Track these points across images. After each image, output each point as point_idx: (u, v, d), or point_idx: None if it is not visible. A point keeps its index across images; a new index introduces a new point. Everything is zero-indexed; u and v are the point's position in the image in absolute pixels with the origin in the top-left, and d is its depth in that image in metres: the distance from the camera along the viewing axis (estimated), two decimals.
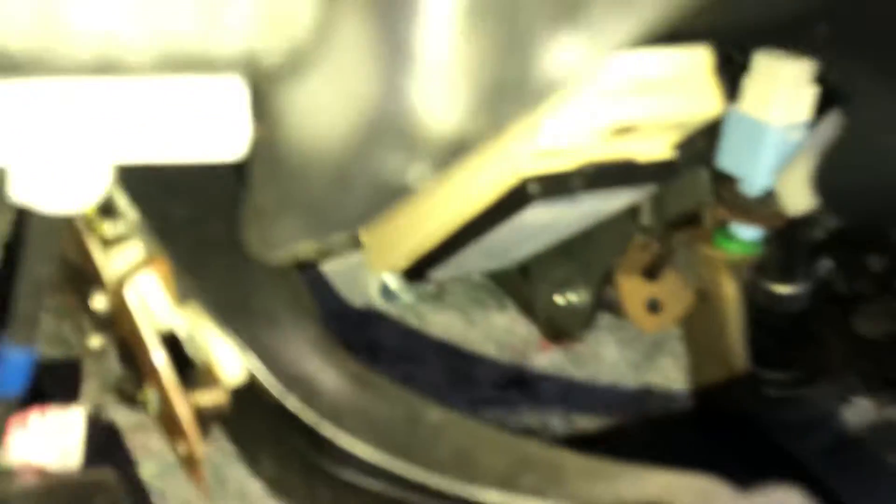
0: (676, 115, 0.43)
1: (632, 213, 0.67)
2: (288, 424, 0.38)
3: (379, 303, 0.67)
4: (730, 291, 0.69)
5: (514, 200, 0.45)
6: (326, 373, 0.39)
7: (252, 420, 0.41)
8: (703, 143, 0.56)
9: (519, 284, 0.82)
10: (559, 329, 0.79)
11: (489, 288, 0.86)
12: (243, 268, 0.39)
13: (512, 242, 0.54)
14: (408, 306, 0.76)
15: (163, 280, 0.40)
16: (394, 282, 0.67)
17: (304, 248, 0.29)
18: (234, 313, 0.38)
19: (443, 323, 0.86)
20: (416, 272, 0.59)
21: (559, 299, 0.77)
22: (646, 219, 0.67)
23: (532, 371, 0.84)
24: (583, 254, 0.71)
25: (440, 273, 0.59)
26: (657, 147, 0.46)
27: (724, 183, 0.64)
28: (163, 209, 0.39)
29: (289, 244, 0.25)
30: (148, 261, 0.40)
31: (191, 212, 0.39)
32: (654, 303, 0.71)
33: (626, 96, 0.41)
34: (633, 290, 0.71)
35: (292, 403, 0.38)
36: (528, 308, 0.82)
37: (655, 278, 0.70)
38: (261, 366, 0.38)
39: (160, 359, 0.41)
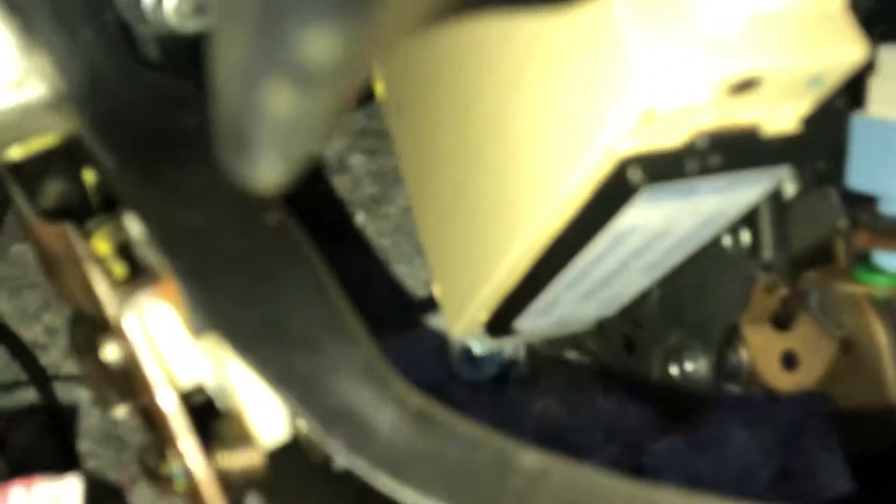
0: (809, 63, 0.34)
1: (751, 250, 0.57)
2: (332, 478, 0.29)
3: (463, 375, 0.58)
4: (880, 336, 0.57)
5: (613, 195, 0.36)
6: (382, 409, 0.30)
7: (292, 480, 0.32)
8: (837, 116, 0.46)
9: (624, 360, 0.71)
10: (677, 408, 0.68)
11: (591, 369, 0.76)
12: (269, 281, 0.31)
13: (612, 269, 0.44)
14: (498, 385, 0.67)
15: (175, 308, 0.32)
16: (478, 346, 0.57)
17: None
18: (260, 339, 0.30)
19: (540, 409, 0.76)
20: (500, 324, 0.50)
21: (674, 370, 0.66)
22: (768, 254, 0.56)
23: (648, 461, 0.72)
24: (697, 309, 0.61)
25: (528, 323, 0.50)
26: (784, 116, 0.37)
27: (858, 205, 0.54)
28: (169, 216, 0.31)
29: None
30: (154, 285, 0.33)
31: (203, 219, 0.31)
32: (789, 357, 0.60)
33: (746, 39, 0.32)
34: (763, 343, 0.60)
35: (337, 447, 0.28)
36: (637, 387, 0.71)
37: (788, 328, 0.59)
38: (297, 402, 0.29)
39: (169, 403, 0.32)
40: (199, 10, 0.37)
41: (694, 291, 0.60)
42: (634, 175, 0.35)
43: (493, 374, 0.58)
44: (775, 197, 0.55)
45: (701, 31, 0.33)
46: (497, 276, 0.45)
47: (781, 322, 0.59)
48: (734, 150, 0.36)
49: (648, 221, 0.39)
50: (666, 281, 0.61)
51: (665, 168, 0.36)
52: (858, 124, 0.55)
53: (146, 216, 0.31)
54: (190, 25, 0.38)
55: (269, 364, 0.29)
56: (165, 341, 0.33)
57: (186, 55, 0.38)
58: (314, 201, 0.76)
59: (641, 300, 0.62)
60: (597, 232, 0.39)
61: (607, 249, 0.41)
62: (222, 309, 0.30)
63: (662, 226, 0.40)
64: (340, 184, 0.77)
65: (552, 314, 0.49)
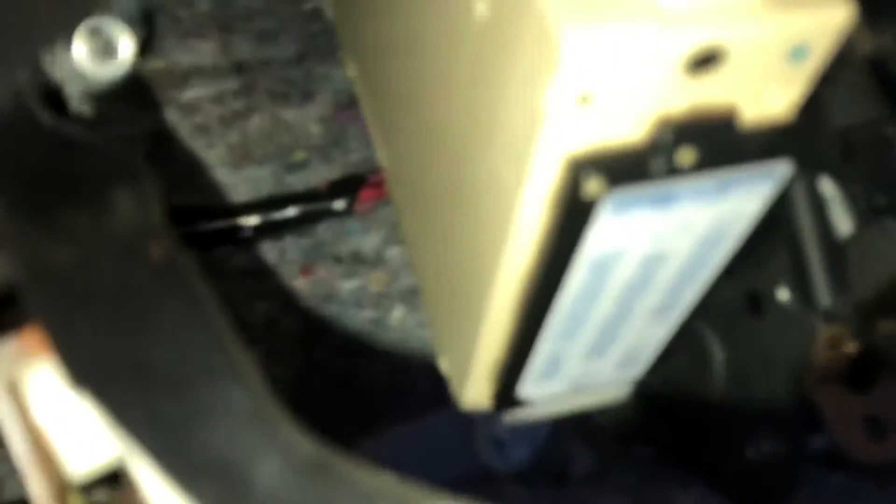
0: (781, 30, 0.28)
1: (805, 298, 0.50)
2: None
3: (491, 462, 0.51)
4: None
5: (573, 208, 0.31)
6: (263, 458, 0.25)
7: None
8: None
9: (696, 448, 0.63)
10: (759, 496, 0.59)
11: (662, 463, 0.68)
12: (141, 319, 0.27)
13: (611, 311, 0.38)
14: (560, 482, 0.60)
15: (42, 354, 0.28)
16: (504, 430, 0.51)
17: None
18: (122, 381, 0.25)
19: None
20: (505, 393, 0.44)
21: (751, 454, 0.58)
22: (825, 299, 0.49)
23: None
24: (766, 380, 0.53)
25: (537, 389, 0.43)
26: (770, 101, 0.31)
27: None
28: (39, 254, 0.27)
29: None
30: (20, 330, 0.29)
31: (75, 256, 0.27)
32: (873, 423, 0.51)
33: (701, 5, 0.27)
34: (839, 410, 0.51)
35: (209, 497, 0.23)
36: (714, 477, 0.63)
37: (868, 388, 0.51)
38: (158, 452, 0.24)
39: (22, 447, 0.27)
40: (108, 51, 0.35)
41: (760, 359, 0.53)
42: (589, 179, 0.30)
43: (526, 461, 0.51)
44: (823, 230, 0.48)
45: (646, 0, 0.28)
46: (485, 333, 0.39)
47: (859, 382, 0.51)
48: (710, 145, 0.31)
49: (628, 241, 0.33)
50: (729, 350, 0.54)
51: (626, 169, 0.30)
52: None
53: (16, 255, 0.28)
54: (106, 72, 0.35)
55: (129, 409, 0.25)
56: (44, 408, 0.29)
57: (113, 108, 0.37)
58: (350, 299, 0.72)
59: (706, 375, 0.55)
60: (570, 258, 0.33)
61: (593, 283, 0.35)
62: (82, 350, 0.26)
63: (651, 248, 0.34)
64: (377, 279, 0.73)
65: (561, 376, 0.43)
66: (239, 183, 0.70)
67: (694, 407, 0.58)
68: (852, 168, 0.52)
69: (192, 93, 0.72)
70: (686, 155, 0.30)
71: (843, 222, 0.50)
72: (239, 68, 0.73)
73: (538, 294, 0.35)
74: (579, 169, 0.30)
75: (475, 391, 0.44)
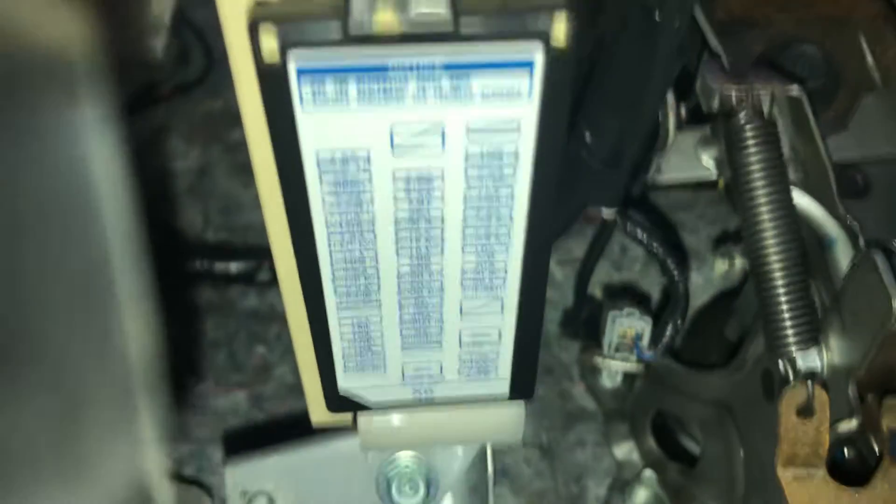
0: None
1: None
2: None
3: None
4: None
5: (263, 87, 0.25)
6: None
7: None
8: None
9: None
10: None
11: None
12: None
13: (389, 257, 0.31)
14: None
15: None
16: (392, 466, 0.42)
17: None
18: None
19: None
20: (331, 391, 0.36)
21: None
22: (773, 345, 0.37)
23: None
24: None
25: (365, 384, 0.36)
26: None
27: None
28: None
29: None
30: None
31: None
32: None
33: None
34: None
35: None
36: None
37: (864, 482, 0.38)
38: None
39: None
40: None
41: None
42: (267, 35, 0.24)
43: None
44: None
45: None
46: (288, 307, 0.33)
47: (851, 474, 0.38)
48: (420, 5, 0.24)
49: (357, 140, 0.26)
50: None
51: (314, 27, 0.24)
52: None
53: None
54: None
55: None
56: None
57: None
58: None
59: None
60: (297, 155, 0.27)
61: (347, 208, 0.28)
62: None
63: (401, 162, 0.27)
64: None
65: (389, 369, 0.35)
66: None
67: None
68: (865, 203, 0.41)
69: (240, 133, 0.72)
70: (386, 16, 0.24)
71: (843, 260, 0.39)
72: None
73: (294, 222, 0.29)
74: (259, 22, 0.24)
75: (315, 401, 0.37)
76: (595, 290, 0.63)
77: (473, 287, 0.32)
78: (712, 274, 0.63)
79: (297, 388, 0.64)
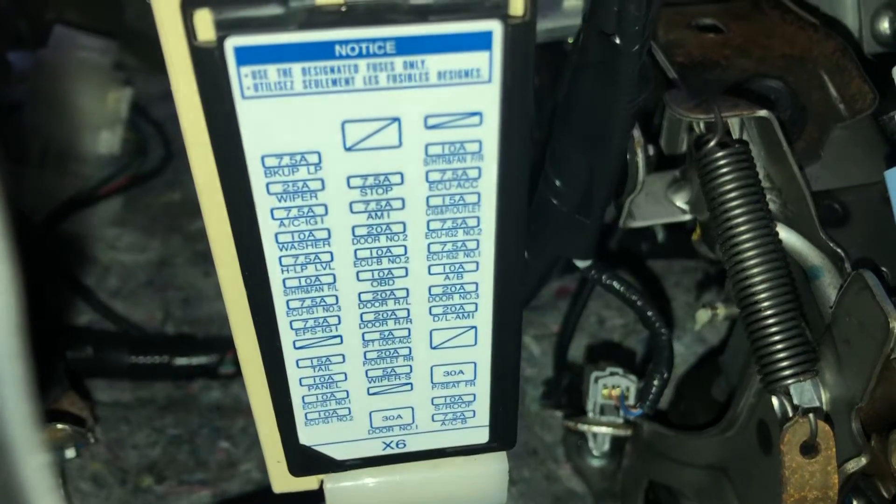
0: None
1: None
2: None
3: None
4: None
5: (197, 73, 0.23)
6: None
7: None
8: None
9: None
10: None
11: None
12: None
13: (348, 283, 0.28)
14: None
15: None
16: None
17: None
18: None
19: None
20: (292, 451, 0.33)
21: None
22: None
23: None
24: None
25: (329, 438, 0.32)
26: None
27: None
28: None
29: None
30: None
31: None
32: None
33: None
34: None
35: None
36: None
37: None
38: None
39: None
40: None
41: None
42: (199, 14, 0.22)
43: None
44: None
45: None
46: (241, 356, 0.30)
47: None
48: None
49: (305, 136, 0.24)
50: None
51: (247, 2, 0.23)
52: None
53: None
54: None
55: None
56: None
57: None
58: None
59: None
60: (240, 157, 0.25)
61: (299, 219, 0.26)
62: None
63: (357, 163, 0.25)
64: None
65: (355, 418, 0.32)
66: None
67: None
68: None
69: (199, 223, 0.70)
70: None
71: (831, 290, 0.37)
72: None
73: (241, 244, 0.27)
74: (189, 6, 0.23)
75: (276, 466, 0.34)
76: (575, 357, 0.61)
77: (443, 313, 0.29)
78: (694, 337, 0.60)
79: (264, 484, 0.60)
